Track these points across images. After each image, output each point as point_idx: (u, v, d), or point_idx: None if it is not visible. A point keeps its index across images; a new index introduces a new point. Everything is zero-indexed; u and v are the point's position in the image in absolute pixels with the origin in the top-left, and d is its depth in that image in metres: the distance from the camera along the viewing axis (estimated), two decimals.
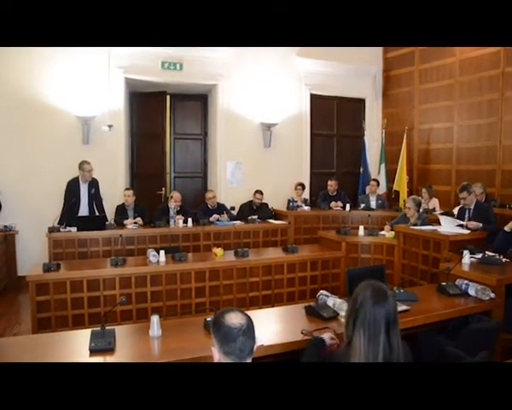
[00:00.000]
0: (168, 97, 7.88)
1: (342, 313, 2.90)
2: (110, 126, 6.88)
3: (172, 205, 6.15)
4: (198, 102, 8.27)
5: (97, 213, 6.15)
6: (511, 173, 6.76)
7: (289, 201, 7.36)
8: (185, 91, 7.97)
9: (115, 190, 6.77)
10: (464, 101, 7.46)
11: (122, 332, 2.65)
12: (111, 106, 6.90)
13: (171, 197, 6.36)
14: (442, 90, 7.81)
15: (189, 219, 6.14)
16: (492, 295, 3.34)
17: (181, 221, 6.08)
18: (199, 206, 6.89)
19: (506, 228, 4.45)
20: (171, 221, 6.06)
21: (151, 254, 4.57)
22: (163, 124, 7.82)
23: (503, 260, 4.06)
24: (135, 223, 6.05)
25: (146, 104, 7.77)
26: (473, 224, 5.06)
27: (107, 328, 2.57)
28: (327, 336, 2.43)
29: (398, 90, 8.71)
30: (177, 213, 6.22)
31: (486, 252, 4.21)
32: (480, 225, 5.03)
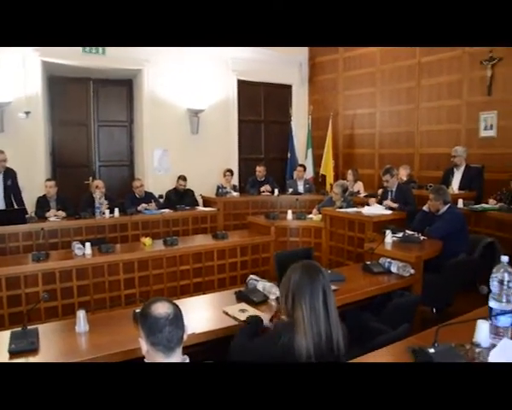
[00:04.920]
0: (91, 83, 7.54)
1: (272, 297, 2.95)
2: (27, 113, 6.47)
3: (98, 194, 5.86)
4: (123, 87, 7.96)
5: (16, 206, 5.78)
6: (428, 157, 7.20)
7: (218, 187, 7.34)
8: (109, 76, 7.64)
9: (35, 181, 6.38)
10: (385, 88, 7.79)
11: (46, 330, 2.53)
12: (27, 91, 6.48)
13: (96, 187, 6.08)
14: (365, 77, 8.11)
15: (116, 209, 5.92)
16: (412, 271, 3.55)
17: (107, 211, 5.85)
18: (126, 195, 6.67)
19: (424, 208, 4.73)
20: (97, 212, 5.80)
21: (76, 246, 4.39)
22: (87, 111, 7.50)
23: (421, 238, 4.32)
24: (57, 215, 5.74)
25: (67, 90, 7.38)
26: (387, 202, 5.40)
27: (29, 327, 2.44)
28: (264, 316, 2.47)
29: (323, 76, 8.92)
30: None
31: (406, 231, 4.46)
32: (395, 205, 5.33)
